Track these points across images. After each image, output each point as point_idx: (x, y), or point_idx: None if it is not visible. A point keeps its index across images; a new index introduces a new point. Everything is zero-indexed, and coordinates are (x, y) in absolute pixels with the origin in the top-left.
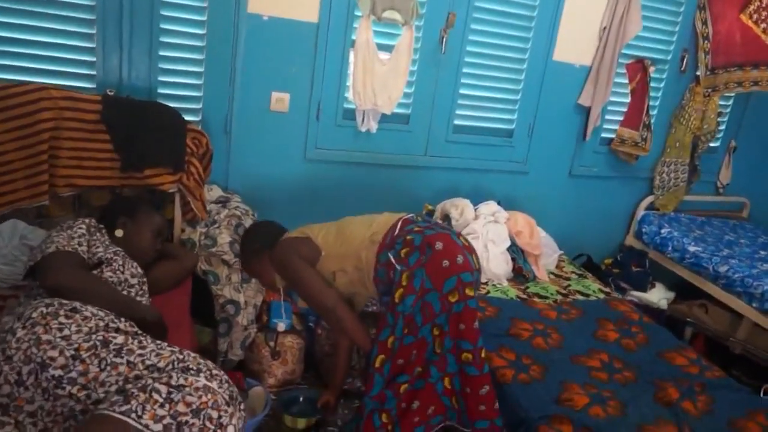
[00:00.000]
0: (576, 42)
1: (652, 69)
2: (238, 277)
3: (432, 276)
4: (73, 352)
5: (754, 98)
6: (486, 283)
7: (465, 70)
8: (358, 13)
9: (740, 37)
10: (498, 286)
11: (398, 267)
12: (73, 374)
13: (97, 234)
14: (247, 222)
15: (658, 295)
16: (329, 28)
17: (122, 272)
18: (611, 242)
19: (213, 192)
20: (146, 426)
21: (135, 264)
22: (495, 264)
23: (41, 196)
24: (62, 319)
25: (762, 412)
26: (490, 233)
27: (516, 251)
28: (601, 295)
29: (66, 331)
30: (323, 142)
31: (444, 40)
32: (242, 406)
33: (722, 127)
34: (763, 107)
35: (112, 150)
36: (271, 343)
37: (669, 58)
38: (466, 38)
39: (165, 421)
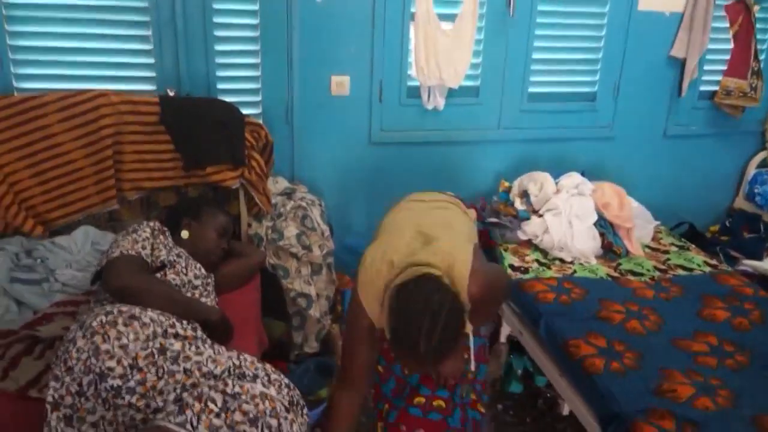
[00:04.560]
0: None
1: (756, 8)
2: (307, 270)
3: None
4: (130, 361)
5: None
6: (572, 263)
7: (537, 32)
8: None
9: None
10: (585, 264)
11: None
12: (132, 383)
13: (161, 237)
14: (314, 212)
15: None
16: (386, 1)
17: (185, 274)
18: (716, 207)
19: (279, 184)
20: None
21: (198, 265)
22: (580, 241)
23: (110, 201)
24: (120, 328)
25: None
26: (574, 207)
27: (604, 225)
28: (707, 269)
29: (124, 340)
30: (388, 123)
31: (511, 1)
32: (305, 411)
33: None
34: None
35: (174, 150)
36: None
37: None
38: None
39: (221, 431)
